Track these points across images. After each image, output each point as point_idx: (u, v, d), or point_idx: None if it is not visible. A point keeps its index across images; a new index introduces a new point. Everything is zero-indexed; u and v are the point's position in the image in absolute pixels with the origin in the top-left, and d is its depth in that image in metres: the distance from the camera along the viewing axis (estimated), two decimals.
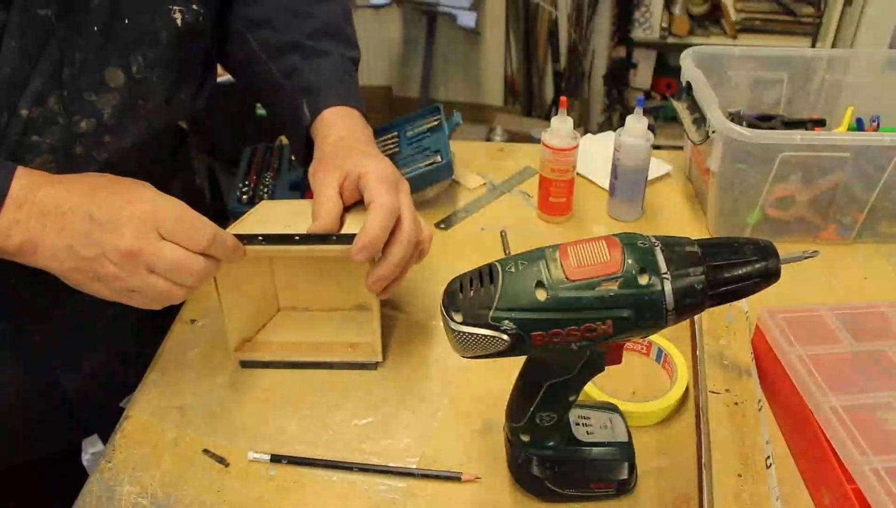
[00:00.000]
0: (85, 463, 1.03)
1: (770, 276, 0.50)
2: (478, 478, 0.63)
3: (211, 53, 0.79)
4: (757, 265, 0.49)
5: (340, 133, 0.72)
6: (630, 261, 0.47)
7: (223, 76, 0.81)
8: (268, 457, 0.65)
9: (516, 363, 0.75)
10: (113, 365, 0.78)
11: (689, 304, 0.48)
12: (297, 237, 0.66)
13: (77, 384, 0.75)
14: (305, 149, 0.77)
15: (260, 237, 0.66)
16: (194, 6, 0.68)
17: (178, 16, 0.67)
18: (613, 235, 0.50)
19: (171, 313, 0.82)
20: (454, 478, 0.63)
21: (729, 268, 0.49)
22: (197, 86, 0.75)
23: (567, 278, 0.47)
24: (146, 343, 0.78)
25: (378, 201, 0.64)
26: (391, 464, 0.65)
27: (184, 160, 0.88)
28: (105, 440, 0.68)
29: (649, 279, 0.47)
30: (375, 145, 0.74)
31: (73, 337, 0.73)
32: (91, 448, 0.96)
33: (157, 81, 0.68)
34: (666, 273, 0.47)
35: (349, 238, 0.65)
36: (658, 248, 0.48)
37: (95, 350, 0.76)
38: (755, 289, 0.50)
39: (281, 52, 0.77)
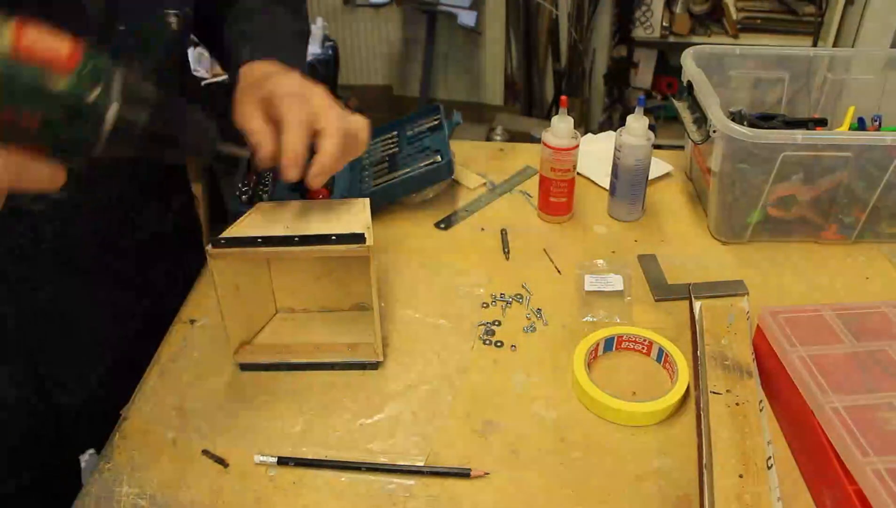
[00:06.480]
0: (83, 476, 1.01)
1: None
2: (487, 474, 0.63)
3: (185, 56, 0.79)
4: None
5: (264, 69, 0.70)
6: (89, 68, 0.44)
7: (222, 76, 0.81)
8: (275, 460, 0.64)
9: (517, 364, 0.75)
10: (110, 378, 0.77)
11: (120, 140, 0.47)
12: (296, 239, 0.66)
13: (72, 399, 0.74)
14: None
15: (259, 240, 0.66)
16: (188, 9, 0.68)
17: (173, 20, 0.66)
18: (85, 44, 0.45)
19: (166, 323, 0.81)
20: (463, 475, 0.63)
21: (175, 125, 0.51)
22: (178, 89, 0.75)
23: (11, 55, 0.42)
24: (144, 353, 0.77)
25: (287, 119, 0.64)
26: (399, 463, 0.65)
27: (181, 174, 0.88)
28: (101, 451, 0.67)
29: (98, 95, 0.44)
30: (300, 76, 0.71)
31: (66, 353, 0.73)
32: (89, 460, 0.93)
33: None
34: (119, 98, 0.45)
35: (349, 238, 0.65)
36: (119, 72, 0.46)
37: (91, 365, 0.76)
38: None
39: (234, 19, 0.77)
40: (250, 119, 0.66)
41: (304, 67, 0.75)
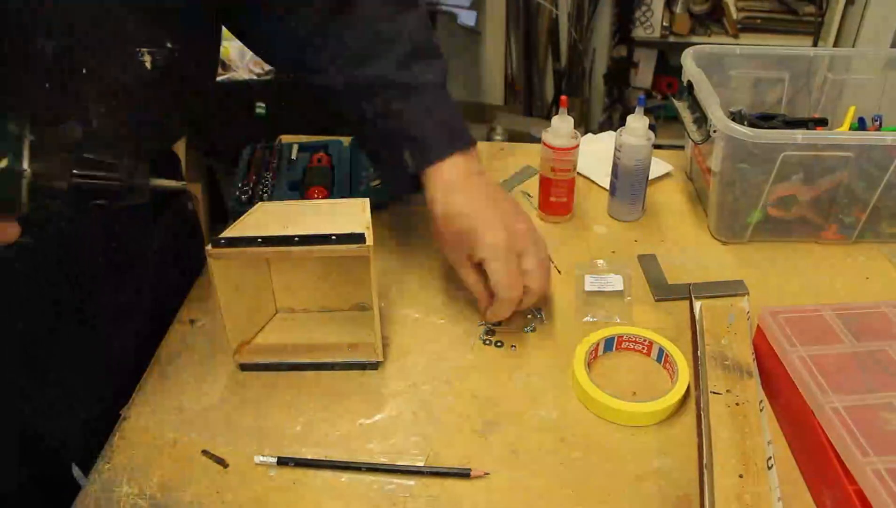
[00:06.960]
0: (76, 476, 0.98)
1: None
2: (487, 474, 0.63)
3: (205, 76, 0.74)
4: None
5: (448, 197, 0.74)
6: None
7: (221, 75, 0.81)
8: (274, 460, 0.64)
9: (517, 364, 0.75)
10: (110, 378, 0.77)
11: (47, 194, 0.49)
12: (296, 239, 0.66)
13: (72, 399, 0.74)
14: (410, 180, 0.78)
15: (259, 240, 0.66)
16: (168, 44, 0.62)
17: (146, 59, 0.61)
18: None
19: (166, 323, 0.81)
20: (463, 475, 0.63)
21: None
22: (181, 112, 0.70)
23: None
24: (144, 353, 0.77)
25: (493, 280, 0.72)
26: (399, 463, 0.65)
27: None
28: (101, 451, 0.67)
29: (8, 162, 0.46)
30: (484, 186, 0.75)
31: (66, 353, 0.72)
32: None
33: (123, 129, 0.61)
34: (28, 159, 0.47)
35: (349, 238, 0.65)
36: (27, 132, 0.48)
37: (90, 366, 0.75)
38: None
39: (370, 89, 0.73)
40: (466, 274, 0.75)
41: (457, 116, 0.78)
